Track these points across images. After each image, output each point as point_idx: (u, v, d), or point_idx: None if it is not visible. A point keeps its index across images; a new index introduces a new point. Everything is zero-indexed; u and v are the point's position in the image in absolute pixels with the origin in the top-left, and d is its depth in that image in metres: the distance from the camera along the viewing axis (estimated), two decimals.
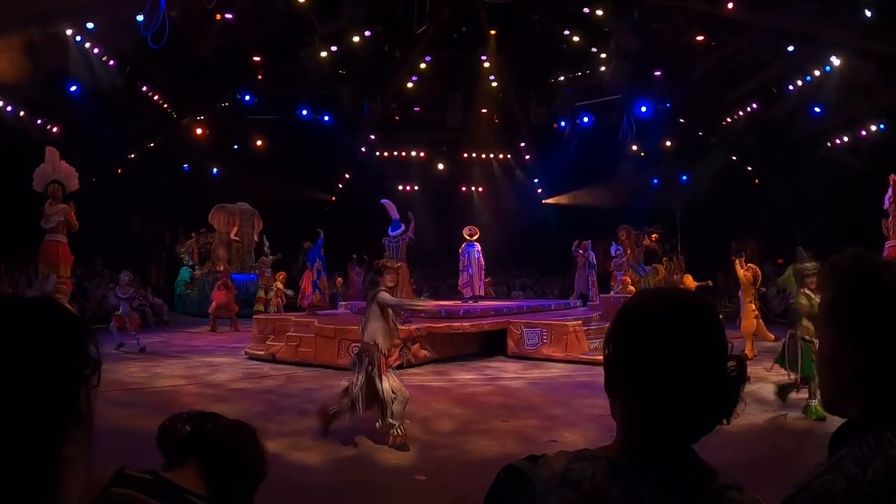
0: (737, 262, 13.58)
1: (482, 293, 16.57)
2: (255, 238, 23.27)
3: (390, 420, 7.01)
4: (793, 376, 8.48)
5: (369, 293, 7.44)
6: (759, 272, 13.67)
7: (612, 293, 17.66)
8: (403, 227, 15.46)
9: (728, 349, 1.28)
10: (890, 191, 12.54)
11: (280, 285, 19.67)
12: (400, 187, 28.84)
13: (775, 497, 1.20)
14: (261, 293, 19.73)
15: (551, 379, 11.17)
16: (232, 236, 23.15)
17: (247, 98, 23.73)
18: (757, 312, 13.32)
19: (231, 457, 1.85)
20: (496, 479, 1.29)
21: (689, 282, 17.82)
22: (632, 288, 17.63)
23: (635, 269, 18.94)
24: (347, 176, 28.92)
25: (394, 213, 15.53)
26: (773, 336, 13.31)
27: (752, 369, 10.89)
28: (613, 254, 19.18)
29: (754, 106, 21.45)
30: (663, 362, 1.22)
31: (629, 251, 19.42)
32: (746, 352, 12.70)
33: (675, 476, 1.18)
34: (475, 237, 16.61)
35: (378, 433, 7.17)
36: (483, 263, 16.64)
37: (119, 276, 15.42)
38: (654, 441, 1.24)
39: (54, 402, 1.00)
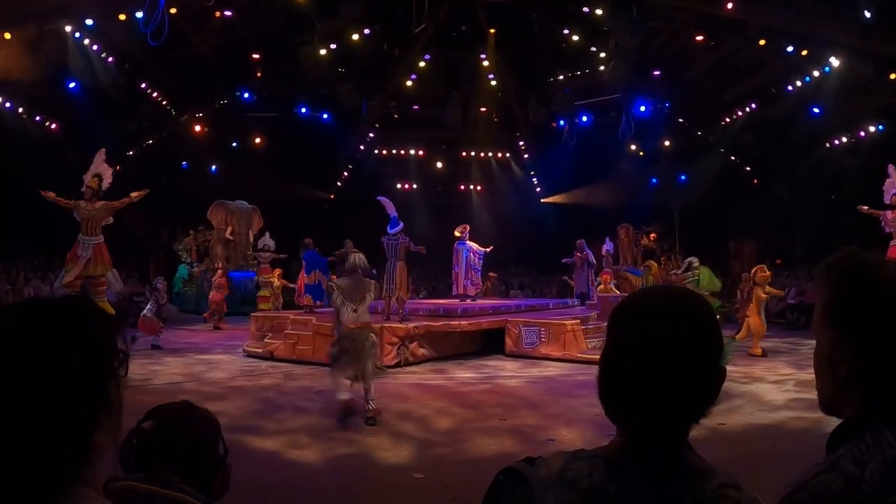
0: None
1: (469, 292, 16.49)
2: (251, 237, 23.21)
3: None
4: None
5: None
6: (769, 273, 13.67)
7: (608, 293, 17.66)
8: (402, 225, 15.44)
9: (720, 346, 1.28)
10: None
11: (276, 281, 19.63)
12: (398, 185, 28.84)
13: (772, 496, 1.21)
14: (264, 291, 19.64)
15: (549, 378, 11.17)
16: (226, 235, 23.12)
17: (246, 96, 23.72)
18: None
19: (175, 444, 2.00)
20: (494, 481, 1.29)
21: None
22: (611, 287, 17.66)
23: (631, 272, 18.95)
24: (346, 174, 28.92)
25: (391, 210, 15.51)
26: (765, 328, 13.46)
27: (749, 370, 10.96)
28: (603, 252, 19.20)
29: (753, 106, 21.47)
30: (655, 359, 1.22)
31: (629, 254, 19.44)
32: (755, 351, 12.76)
33: (673, 474, 1.19)
34: (465, 234, 16.63)
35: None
36: (475, 261, 16.60)
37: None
38: (647, 439, 1.24)
39: (87, 393, 1.09)
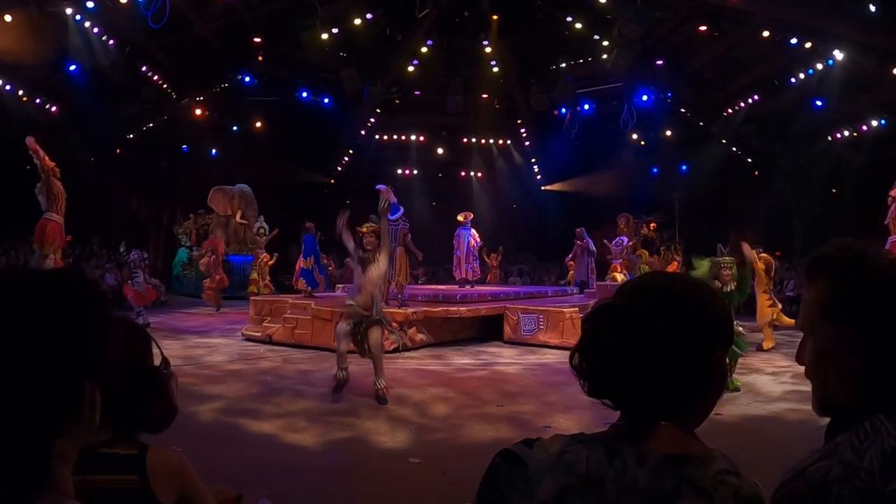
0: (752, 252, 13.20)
1: (469, 276, 16.55)
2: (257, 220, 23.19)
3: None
4: None
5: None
6: (773, 261, 13.53)
7: (607, 281, 17.68)
8: (402, 210, 15.48)
9: (712, 334, 1.28)
10: None
11: (262, 265, 19.74)
12: (399, 171, 28.80)
13: (768, 486, 1.21)
14: (254, 274, 19.73)
15: (547, 365, 11.21)
16: (237, 219, 23.02)
17: (247, 79, 23.60)
18: (772, 301, 13.25)
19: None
20: (492, 463, 1.29)
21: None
22: (620, 276, 17.68)
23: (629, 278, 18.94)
24: (346, 159, 28.86)
25: (391, 197, 15.53)
26: (793, 321, 13.35)
27: (746, 361, 10.97)
28: (615, 244, 19.18)
29: (756, 98, 21.38)
30: (647, 343, 1.23)
31: (630, 241, 19.41)
32: (764, 345, 12.70)
33: (672, 460, 1.19)
34: (468, 220, 16.68)
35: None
36: (473, 247, 16.64)
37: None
38: (644, 422, 1.24)
39: (52, 394, 0.90)
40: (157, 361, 1.89)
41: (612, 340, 1.25)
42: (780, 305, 13.68)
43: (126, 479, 1.70)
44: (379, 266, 8.63)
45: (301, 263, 16.32)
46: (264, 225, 20.35)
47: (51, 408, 0.89)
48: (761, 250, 13.75)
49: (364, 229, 9.18)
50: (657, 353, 1.22)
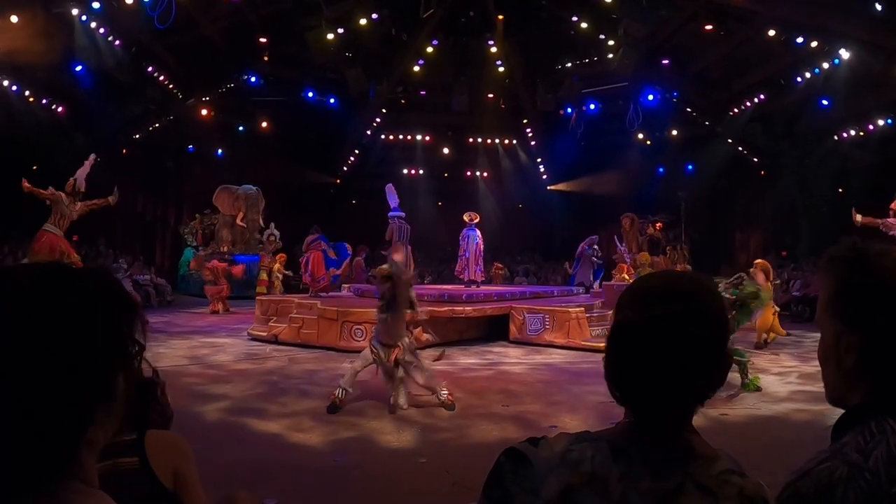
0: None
1: (477, 278, 16.54)
2: (261, 222, 23.22)
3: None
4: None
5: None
6: (769, 265, 13.46)
7: (613, 282, 17.66)
8: (404, 214, 15.54)
9: (726, 330, 1.29)
10: None
11: (278, 266, 19.75)
12: (405, 171, 28.84)
13: (775, 486, 1.21)
14: (263, 275, 19.76)
15: (553, 365, 11.19)
16: (238, 221, 23.07)
17: (252, 79, 23.65)
18: (776, 309, 13.19)
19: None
20: (497, 462, 1.30)
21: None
22: (626, 277, 17.66)
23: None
24: (352, 159, 28.91)
25: (393, 199, 15.59)
26: (785, 332, 13.33)
27: (753, 361, 10.93)
28: (618, 251, 19.17)
29: (761, 97, 21.36)
30: (661, 341, 1.23)
31: (633, 243, 19.38)
32: (763, 340, 12.73)
33: (677, 458, 1.19)
34: (475, 222, 16.65)
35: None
36: (481, 248, 16.64)
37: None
38: (651, 421, 1.25)
39: (88, 384, 0.94)
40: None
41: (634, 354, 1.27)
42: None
43: (128, 461, 1.84)
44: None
45: (332, 255, 16.47)
46: (275, 232, 20.40)
47: (87, 398, 0.93)
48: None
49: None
50: (663, 356, 1.23)
